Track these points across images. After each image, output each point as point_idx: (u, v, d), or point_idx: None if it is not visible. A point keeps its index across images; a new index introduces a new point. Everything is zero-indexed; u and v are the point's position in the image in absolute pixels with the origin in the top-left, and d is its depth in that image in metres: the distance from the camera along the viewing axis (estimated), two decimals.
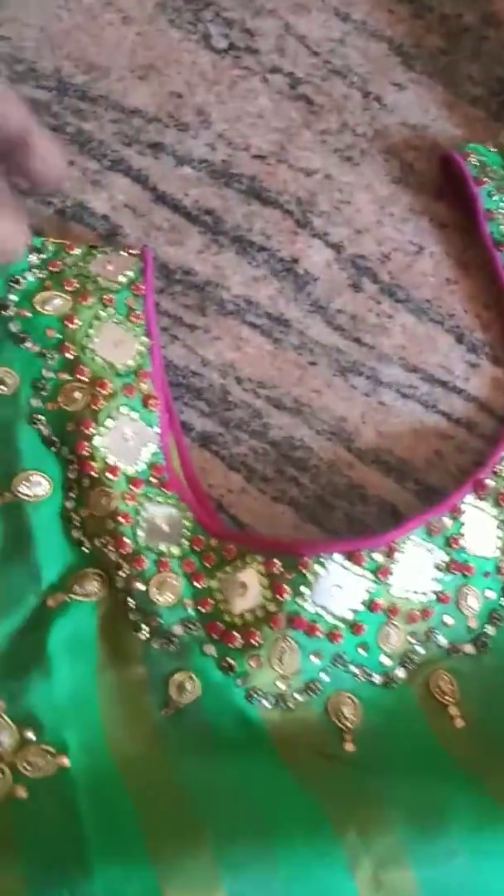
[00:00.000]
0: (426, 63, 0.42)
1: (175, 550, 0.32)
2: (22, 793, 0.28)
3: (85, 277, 0.35)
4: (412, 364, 0.38)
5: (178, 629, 0.31)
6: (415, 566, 0.33)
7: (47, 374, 0.33)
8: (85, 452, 0.32)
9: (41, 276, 0.35)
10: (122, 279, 0.35)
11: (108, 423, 0.33)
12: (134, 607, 0.31)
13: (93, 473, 0.32)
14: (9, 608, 0.30)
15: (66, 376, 0.33)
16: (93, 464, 0.32)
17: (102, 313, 0.34)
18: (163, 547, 0.32)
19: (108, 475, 0.32)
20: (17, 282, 0.34)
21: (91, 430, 0.32)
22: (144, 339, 0.35)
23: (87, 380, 0.33)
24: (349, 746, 0.31)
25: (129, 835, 0.26)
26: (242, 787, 0.29)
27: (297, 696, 0.32)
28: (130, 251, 0.36)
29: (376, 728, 0.32)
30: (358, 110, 0.42)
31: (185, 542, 0.32)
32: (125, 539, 0.32)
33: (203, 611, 0.31)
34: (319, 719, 0.32)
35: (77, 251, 0.35)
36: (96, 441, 0.32)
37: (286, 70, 0.42)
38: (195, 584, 0.32)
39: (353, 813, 0.28)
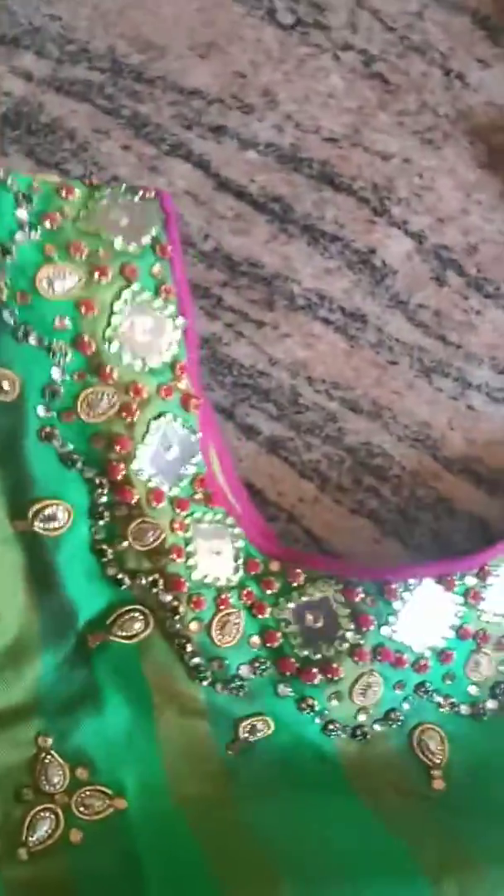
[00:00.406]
0: None
1: (233, 580, 0.30)
2: (77, 836, 0.27)
3: (96, 238, 0.28)
4: None
5: (245, 671, 0.29)
6: None
7: (60, 376, 0.28)
8: (121, 477, 0.28)
9: (36, 238, 0.27)
10: (144, 240, 0.29)
11: (148, 438, 0.28)
12: (192, 652, 0.29)
13: (132, 502, 0.28)
14: (52, 639, 0.28)
15: (86, 379, 0.28)
16: (132, 491, 0.28)
17: (126, 292, 0.28)
18: (220, 579, 0.29)
19: (153, 503, 0.28)
20: (6, 251, 0.27)
21: (128, 449, 0.28)
22: (180, 319, 0.29)
23: (114, 383, 0.28)
24: (438, 784, 0.30)
25: (196, 881, 0.25)
26: (320, 828, 0.28)
27: (376, 726, 0.30)
28: (145, 194, 0.29)
29: (466, 764, 0.30)
30: (439, 89, 0.38)
31: (241, 568, 0.30)
32: (181, 579, 0.28)
33: (271, 646, 0.29)
34: (402, 753, 0.30)
35: (76, 195, 0.28)
36: (136, 464, 0.28)
37: (359, 47, 0.39)
38: (257, 616, 0.30)
39: (448, 859, 0.26)
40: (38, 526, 0.27)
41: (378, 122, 0.39)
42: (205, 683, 0.28)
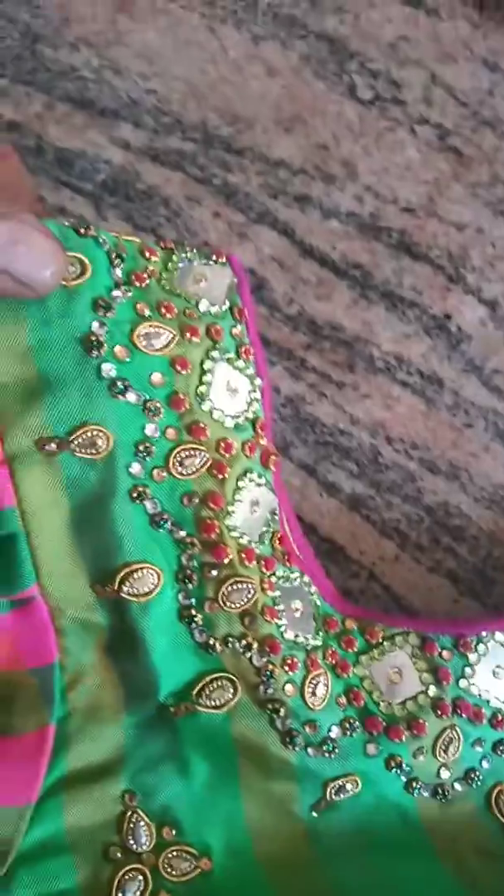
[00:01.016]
0: None
1: (318, 640, 0.30)
2: None
3: (182, 299, 0.28)
4: None
5: (336, 732, 0.29)
6: None
7: (153, 433, 0.27)
8: (215, 536, 0.27)
9: (129, 296, 0.27)
10: (224, 302, 0.30)
11: (238, 495, 0.28)
12: (284, 716, 0.28)
13: (226, 561, 0.27)
14: (135, 702, 0.28)
15: (178, 436, 0.27)
16: (226, 549, 0.27)
17: (214, 352, 0.28)
18: (308, 639, 0.29)
19: (245, 562, 0.28)
20: (107, 308, 0.27)
21: (221, 506, 0.27)
22: (258, 379, 0.30)
23: (206, 440, 0.28)
24: None
25: None
26: (401, 890, 0.28)
27: (457, 785, 0.31)
28: (219, 258, 0.30)
29: None
30: None
31: (321, 627, 0.30)
32: (276, 640, 0.28)
33: (357, 705, 0.30)
34: (480, 814, 0.31)
35: (158, 256, 0.28)
36: (229, 521, 0.28)
37: (434, 121, 0.41)
38: (342, 675, 0.30)
39: None
40: (125, 591, 0.26)
41: (452, 193, 0.41)
42: (298, 749, 0.28)
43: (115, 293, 0.27)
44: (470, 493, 0.36)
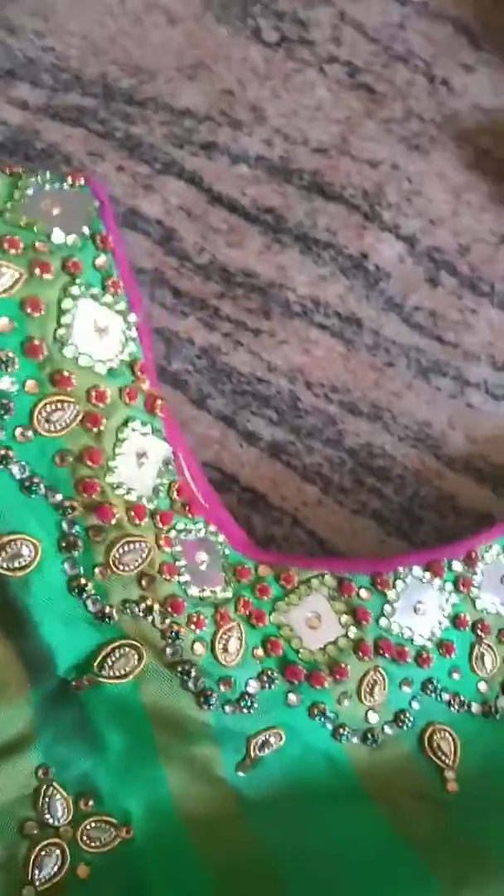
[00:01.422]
0: (497, 41, 0.39)
1: (227, 591, 0.28)
2: (84, 872, 0.26)
3: (30, 231, 0.25)
4: (502, 362, 0.34)
5: (253, 686, 0.28)
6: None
7: (9, 387, 0.24)
8: (97, 496, 0.25)
9: None
10: (83, 230, 0.27)
11: (119, 448, 0.26)
12: (196, 677, 0.27)
13: (113, 521, 0.25)
14: (36, 677, 0.26)
15: (40, 389, 0.25)
16: (112, 509, 0.25)
17: (73, 288, 0.25)
18: (216, 592, 0.28)
19: (135, 520, 0.26)
20: None
21: (101, 462, 0.25)
22: (132, 315, 0.27)
23: (73, 390, 0.25)
24: (452, 787, 0.29)
25: None
26: (332, 838, 0.27)
27: (386, 729, 0.30)
28: (76, 181, 0.27)
29: (480, 765, 0.30)
30: (424, 96, 0.39)
31: (232, 578, 0.29)
32: (179, 599, 0.26)
33: (275, 655, 0.28)
34: (414, 757, 0.30)
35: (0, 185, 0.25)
36: (111, 478, 0.26)
37: (343, 59, 0.40)
38: (258, 625, 0.29)
39: (465, 869, 0.25)
40: (2, 572, 0.24)
41: (365, 130, 0.40)
42: (214, 709, 0.27)
43: None
44: (394, 432, 0.35)
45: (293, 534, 0.34)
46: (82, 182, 0.27)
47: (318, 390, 0.35)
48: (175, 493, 0.27)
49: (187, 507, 0.28)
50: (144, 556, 0.26)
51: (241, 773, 0.28)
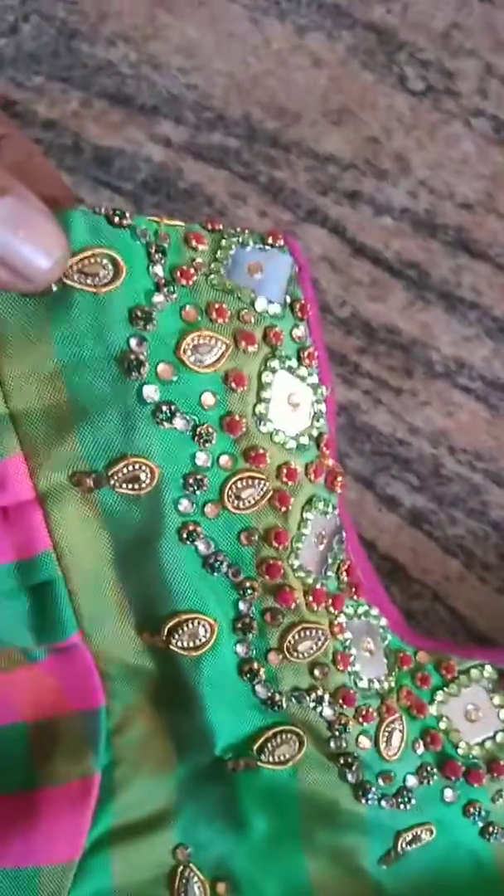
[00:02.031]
0: None
1: (391, 681, 0.27)
2: None
3: (237, 299, 0.24)
4: None
5: (412, 781, 0.26)
6: None
7: (204, 462, 0.23)
8: (280, 579, 0.24)
9: (173, 298, 0.23)
10: (286, 297, 0.25)
11: (305, 528, 0.25)
12: (357, 770, 0.25)
13: (293, 605, 0.24)
14: (187, 753, 0.25)
15: (233, 464, 0.24)
16: (293, 593, 0.24)
17: (273, 361, 0.24)
18: (382, 683, 0.26)
19: (313, 605, 0.24)
20: (147, 319, 0.22)
21: (285, 544, 0.24)
22: (322, 388, 0.26)
23: (266, 467, 0.24)
24: None
25: None
26: None
27: None
28: (276, 241, 0.25)
29: None
30: None
31: (394, 665, 0.27)
32: (350, 691, 0.25)
33: (434, 749, 0.27)
34: None
35: (205, 244, 0.24)
36: (294, 560, 0.24)
37: (490, 113, 0.39)
38: (418, 716, 0.27)
39: None
40: (175, 644, 0.23)
41: None
42: (371, 802, 0.25)
43: (157, 298, 0.22)
44: None
45: (433, 609, 0.32)
46: (282, 243, 0.26)
47: (462, 457, 0.34)
48: (344, 574, 0.26)
49: (354, 589, 0.26)
50: (320, 644, 0.24)
51: (383, 867, 0.26)
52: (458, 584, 0.32)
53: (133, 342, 0.22)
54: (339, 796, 0.25)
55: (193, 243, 0.24)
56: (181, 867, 0.25)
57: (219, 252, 0.24)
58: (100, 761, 0.23)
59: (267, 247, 0.25)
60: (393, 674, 0.27)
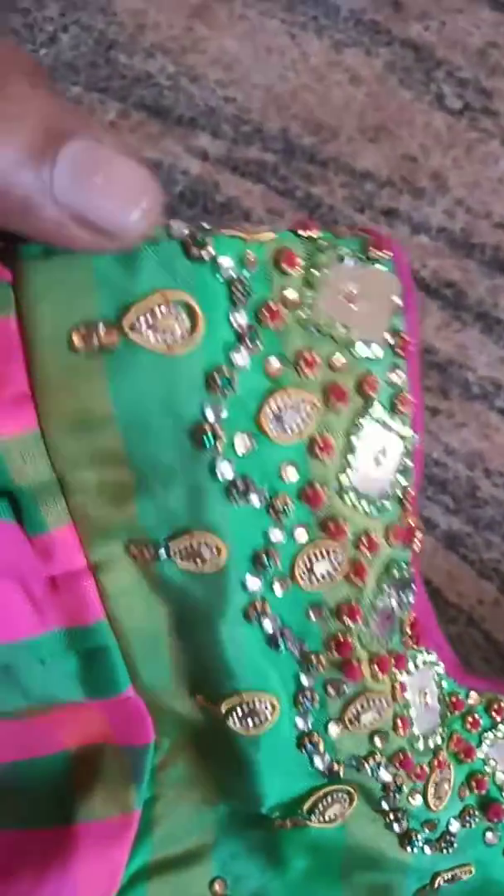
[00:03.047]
0: None
1: (444, 731, 0.26)
2: None
3: (330, 340, 0.20)
4: None
5: (455, 825, 0.26)
6: None
7: (279, 538, 0.21)
8: (349, 655, 0.22)
9: (258, 350, 0.19)
10: (386, 335, 0.21)
11: (378, 601, 0.22)
12: (405, 821, 0.25)
13: (360, 680, 0.22)
14: (230, 800, 0.24)
15: (308, 536, 0.21)
16: (362, 667, 0.22)
17: (363, 417, 0.21)
18: (436, 736, 0.25)
19: (379, 675, 0.23)
20: (226, 384, 0.19)
21: (359, 620, 0.22)
22: (413, 437, 0.22)
23: (345, 539, 0.21)
24: None
25: None
26: None
27: None
28: (380, 252, 0.21)
29: None
30: None
31: (446, 711, 0.26)
32: (408, 755, 0.24)
33: (478, 793, 0.27)
34: None
35: (298, 265, 0.20)
36: (366, 632, 0.22)
37: None
38: (465, 761, 0.26)
39: None
40: (232, 723, 0.21)
41: None
42: (416, 850, 0.25)
43: (238, 358, 0.19)
44: None
45: (467, 633, 0.32)
46: (389, 255, 0.21)
47: (498, 480, 0.34)
48: (409, 628, 0.24)
49: (416, 639, 0.25)
50: (382, 713, 0.23)
51: None
52: (493, 609, 0.32)
53: (209, 413, 0.19)
54: (384, 846, 0.25)
55: (284, 266, 0.19)
56: None
57: (312, 272, 0.20)
58: (142, 797, 0.23)
59: (369, 261, 0.21)
60: (445, 721, 0.26)
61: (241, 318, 0.19)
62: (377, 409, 0.21)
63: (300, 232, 0.20)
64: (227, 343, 0.19)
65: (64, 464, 0.19)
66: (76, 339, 0.18)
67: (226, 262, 0.18)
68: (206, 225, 0.19)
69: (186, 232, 0.18)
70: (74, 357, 0.18)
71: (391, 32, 0.41)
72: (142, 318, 0.18)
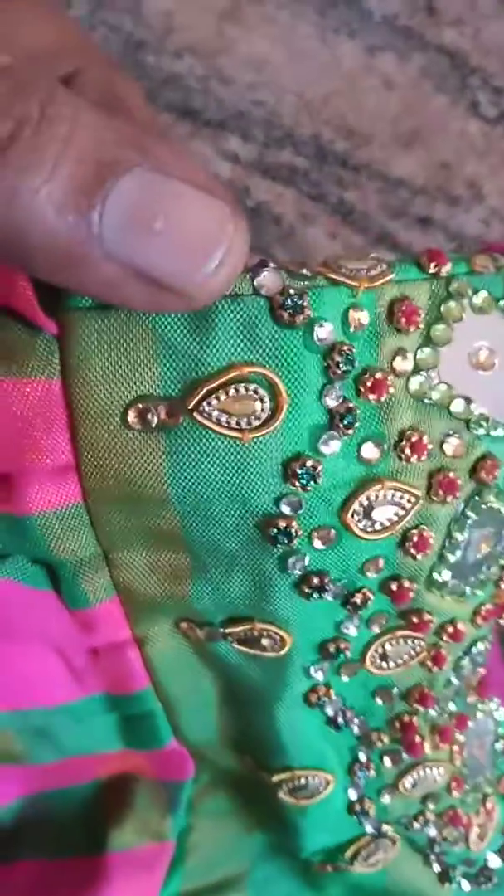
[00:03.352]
0: None
1: (493, 775, 0.24)
2: None
3: (446, 419, 0.16)
4: None
5: (493, 861, 0.25)
6: None
7: (351, 631, 0.18)
8: (413, 735, 0.20)
9: (350, 433, 0.15)
10: None
11: (456, 677, 0.20)
12: (445, 860, 0.24)
13: (421, 756, 0.21)
14: (265, 831, 0.23)
15: (387, 624, 0.19)
16: (423, 744, 0.21)
17: (472, 510, 0.17)
18: (486, 787, 0.24)
19: (438, 746, 0.21)
20: (310, 475, 0.15)
21: (431, 706, 0.20)
22: None
23: (428, 630, 0.19)
24: None
25: None
26: None
27: None
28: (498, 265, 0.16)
29: None
30: None
31: (499, 754, 0.25)
32: (458, 811, 0.23)
33: None
34: None
35: (418, 323, 0.15)
36: (432, 714, 0.21)
37: None
38: None
39: None
40: (283, 795, 0.20)
41: None
42: (454, 886, 0.24)
43: (326, 445, 0.15)
44: None
45: None
46: None
47: None
48: (476, 682, 0.22)
49: (479, 691, 0.23)
50: (438, 780, 0.22)
51: None
52: None
53: (284, 506, 0.15)
54: (424, 884, 0.24)
55: (402, 322, 0.15)
56: None
57: (436, 328, 0.15)
58: (177, 827, 0.21)
59: (490, 292, 0.16)
60: (497, 762, 0.24)
61: (335, 396, 0.15)
62: (490, 496, 0.17)
63: (430, 266, 0.15)
64: (314, 427, 0.15)
65: (111, 540, 0.16)
66: (132, 416, 0.14)
67: (325, 329, 0.14)
68: (304, 270, 0.14)
69: (280, 286, 0.14)
70: (129, 434, 0.15)
71: (424, 38, 0.40)
72: (213, 399, 0.14)
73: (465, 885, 0.24)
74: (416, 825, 0.22)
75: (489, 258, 0.16)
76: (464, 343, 0.16)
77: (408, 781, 0.21)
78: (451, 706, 0.21)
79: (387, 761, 0.21)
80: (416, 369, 0.15)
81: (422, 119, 0.39)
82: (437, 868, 0.24)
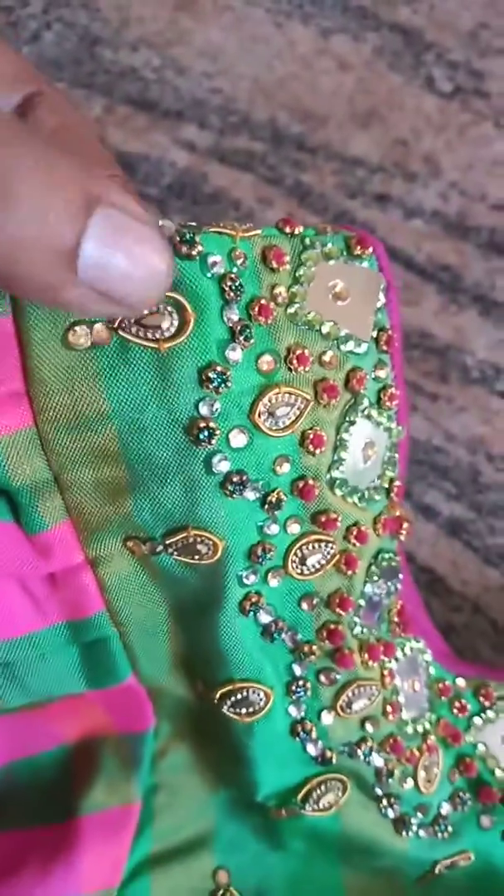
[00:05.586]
0: None
1: (432, 716, 0.26)
2: None
3: (319, 336, 0.20)
4: None
5: (446, 808, 0.26)
6: None
7: (273, 532, 0.21)
8: (341, 643, 0.22)
9: (249, 345, 0.19)
10: (372, 331, 0.21)
11: (367, 588, 0.23)
12: (397, 806, 0.25)
13: (351, 668, 0.23)
14: (228, 787, 0.25)
15: (300, 528, 0.21)
16: (353, 656, 0.23)
17: (354, 414, 0.21)
18: (425, 719, 0.25)
19: (368, 662, 0.23)
20: (220, 380, 0.19)
21: (349, 610, 0.22)
22: (397, 429, 0.23)
23: (336, 531, 0.22)
24: None
25: None
26: None
27: None
28: (364, 251, 0.21)
29: None
30: None
31: (434, 696, 0.27)
32: (398, 739, 0.24)
33: (468, 776, 0.27)
34: None
35: (285, 263, 0.19)
36: (356, 620, 0.23)
37: None
38: (453, 745, 0.26)
39: None
40: (226, 708, 0.22)
41: None
42: (411, 835, 0.25)
43: (232, 353, 0.19)
44: None
45: (474, 622, 0.31)
46: (370, 251, 0.21)
47: (501, 464, 0.33)
48: (396, 615, 0.25)
49: (403, 627, 0.25)
50: (373, 699, 0.23)
51: (418, 887, 0.26)
52: (500, 595, 0.31)
53: (203, 408, 0.19)
54: (380, 832, 0.25)
55: (273, 263, 0.19)
56: (221, 891, 0.24)
57: (300, 270, 0.20)
58: (142, 787, 0.22)
59: (353, 259, 0.21)
60: (433, 707, 0.26)
61: (233, 315, 0.19)
62: (365, 404, 0.21)
63: (286, 229, 0.20)
64: (220, 340, 0.19)
65: (60, 461, 0.19)
66: (71, 336, 0.18)
67: (215, 259, 0.18)
68: (192, 223, 0.18)
69: (174, 229, 0.18)
70: (70, 355, 0.18)
71: (379, 17, 0.40)
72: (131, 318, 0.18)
73: (423, 834, 0.25)
74: (360, 752, 0.23)
75: (330, 227, 0.21)
76: (323, 280, 0.20)
77: (343, 700, 0.23)
78: (377, 632, 0.24)
79: (322, 679, 0.23)
80: (292, 300, 0.20)
81: (377, 98, 0.39)
82: (391, 815, 0.25)
